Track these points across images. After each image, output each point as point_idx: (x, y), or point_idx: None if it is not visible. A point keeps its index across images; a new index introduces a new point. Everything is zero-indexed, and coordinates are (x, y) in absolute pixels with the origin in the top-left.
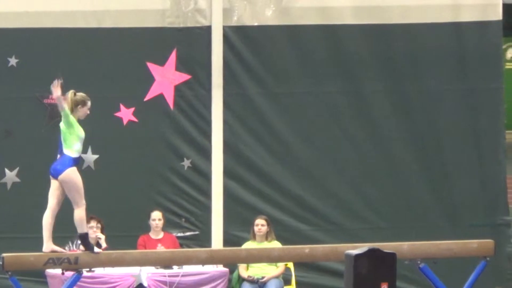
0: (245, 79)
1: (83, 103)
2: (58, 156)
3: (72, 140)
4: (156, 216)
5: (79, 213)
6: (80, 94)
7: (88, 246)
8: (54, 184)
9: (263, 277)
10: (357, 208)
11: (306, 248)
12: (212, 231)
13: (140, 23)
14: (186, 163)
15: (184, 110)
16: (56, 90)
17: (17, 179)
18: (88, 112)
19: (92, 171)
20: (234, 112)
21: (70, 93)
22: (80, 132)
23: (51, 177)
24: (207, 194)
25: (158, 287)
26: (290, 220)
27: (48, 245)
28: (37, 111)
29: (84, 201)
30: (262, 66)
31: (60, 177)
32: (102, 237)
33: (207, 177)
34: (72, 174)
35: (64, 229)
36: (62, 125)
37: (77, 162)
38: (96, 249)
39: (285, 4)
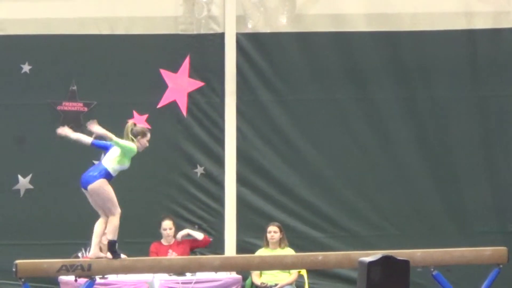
0: (258, 86)
1: (143, 134)
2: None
3: (119, 161)
4: (167, 226)
5: (114, 220)
6: (140, 126)
7: (114, 253)
8: (88, 195)
9: (276, 284)
10: (369, 215)
11: (320, 255)
12: (225, 238)
13: (153, 30)
14: (199, 170)
15: (197, 117)
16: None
17: (30, 186)
18: (147, 144)
19: None
20: (247, 119)
21: (130, 123)
22: (127, 163)
23: (82, 189)
24: (220, 201)
25: None
26: (303, 227)
27: (95, 252)
28: (50, 118)
29: (119, 209)
30: (275, 73)
31: (90, 186)
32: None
33: (220, 184)
34: (103, 184)
35: (77, 236)
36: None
37: (110, 178)
38: (122, 256)
39: (298, 11)
